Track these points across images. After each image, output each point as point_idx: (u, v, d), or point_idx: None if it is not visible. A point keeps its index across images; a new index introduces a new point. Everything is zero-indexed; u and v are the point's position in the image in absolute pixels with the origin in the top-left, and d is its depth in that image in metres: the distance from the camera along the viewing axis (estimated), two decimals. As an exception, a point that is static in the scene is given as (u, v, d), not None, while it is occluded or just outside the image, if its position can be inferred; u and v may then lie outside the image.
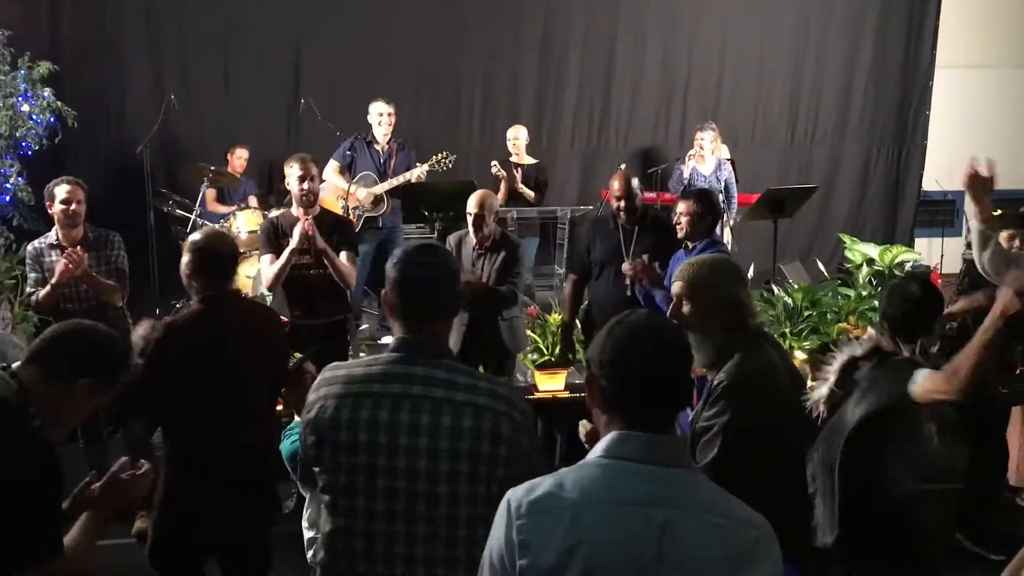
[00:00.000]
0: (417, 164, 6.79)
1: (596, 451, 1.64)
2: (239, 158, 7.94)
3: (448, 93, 8.99)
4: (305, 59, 8.56)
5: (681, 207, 4.66)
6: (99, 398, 2.28)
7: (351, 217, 6.44)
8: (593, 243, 5.20)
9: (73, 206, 4.45)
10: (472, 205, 4.88)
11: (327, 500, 2.11)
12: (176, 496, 3.08)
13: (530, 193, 7.28)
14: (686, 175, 7.54)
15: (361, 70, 8.37)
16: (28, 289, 4.42)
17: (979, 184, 3.44)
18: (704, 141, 7.60)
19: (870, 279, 7.02)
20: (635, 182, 5.10)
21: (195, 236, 3.23)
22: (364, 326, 7.13)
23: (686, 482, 1.61)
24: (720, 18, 9.35)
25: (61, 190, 4.47)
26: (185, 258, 3.13)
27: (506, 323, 5.01)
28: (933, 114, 9.94)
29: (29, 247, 4.58)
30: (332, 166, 6.68)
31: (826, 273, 7.71)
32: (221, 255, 3.14)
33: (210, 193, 7.78)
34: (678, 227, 4.67)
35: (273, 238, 4.73)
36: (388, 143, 6.79)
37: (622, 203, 5.01)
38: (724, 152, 8.31)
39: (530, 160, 7.52)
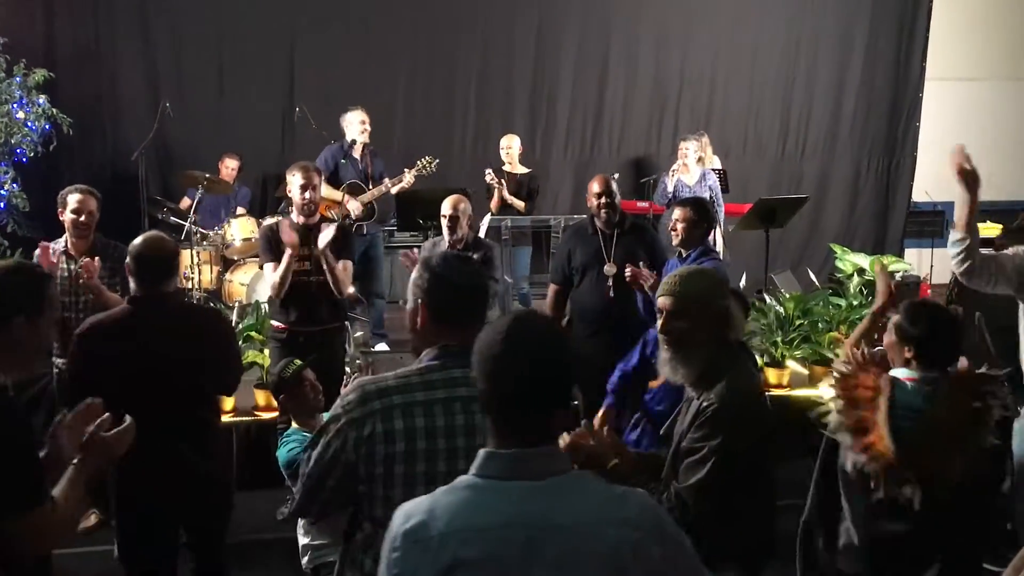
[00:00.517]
0: (405, 171, 6.91)
1: (471, 468, 1.63)
2: (228, 168, 7.95)
3: (442, 102, 9.04)
4: (299, 67, 8.59)
5: (676, 214, 4.69)
6: (38, 330, 2.26)
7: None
8: (573, 250, 5.18)
9: (83, 216, 4.38)
10: (446, 207, 5.01)
11: (379, 515, 2.02)
12: (124, 481, 3.23)
13: (519, 203, 7.33)
14: (670, 188, 7.55)
15: (355, 79, 8.41)
16: None
17: (971, 176, 3.33)
18: (688, 151, 7.61)
19: (861, 288, 7.05)
20: (615, 184, 5.12)
21: (135, 240, 3.32)
22: (358, 333, 7.13)
23: (555, 493, 1.57)
24: (712, 29, 9.42)
25: (73, 199, 4.40)
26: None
27: None
28: (923, 126, 10.02)
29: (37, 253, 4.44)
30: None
31: (817, 283, 7.75)
32: (150, 259, 3.24)
33: (184, 201, 7.79)
34: (673, 234, 4.69)
35: (273, 244, 4.72)
36: (363, 151, 6.87)
37: (602, 200, 5.00)
38: (715, 163, 8.36)
39: (523, 169, 7.57)
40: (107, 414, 2.31)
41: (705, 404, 2.49)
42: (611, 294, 4.90)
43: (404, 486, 2.03)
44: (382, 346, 6.93)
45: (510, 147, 7.54)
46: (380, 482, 2.04)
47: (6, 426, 2.05)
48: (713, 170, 7.94)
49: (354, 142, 6.83)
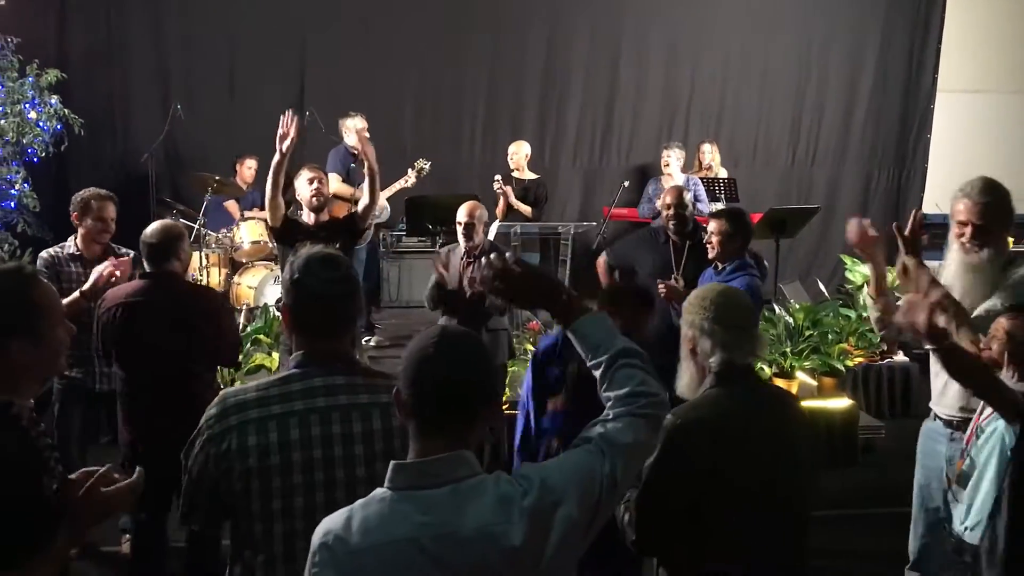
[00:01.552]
0: (409, 170, 7.15)
1: (385, 480, 1.66)
2: (248, 168, 7.95)
3: (451, 108, 9.04)
4: (310, 71, 8.61)
5: (712, 226, 4.54)
6: (42, 343, 1.99)
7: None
8: (642, 255, 5.16)
9: (108, 223, 4.39)
10: (462, 214, 5.05)
11: (258, 530, 2.02)
12: (130, 433, 3.79)
13: (526, 208, 7.32)
14: (653, 196, 7.52)
15: (365, 82, 8.42)
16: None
17: (870, 243, 3.47)
18: (670, 159, 7.56)
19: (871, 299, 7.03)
20: (688, 196, 5.10)
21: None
22: (371, 340, 7.15)
23: (458, 498, 1.59)
24: (723, 38, 9.41)
25: (98, 205, 4.35)
26: None
27: (490, 335, 5.04)
28: (934, 137, 9.99)
29: (44, 255, 4.38)
30: (334, 178, 6.76)
31: (826, 293, 7.73)
32: (152, 243, 3.77)
33: (231, 204, 7.82)
34: (708, 247, 4.55)
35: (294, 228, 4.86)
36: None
37: (672, 211, 4.98)
38: (723, 172, 8.35)
39: (531, 175, 7.56)
40: (109, 466, 2.14)
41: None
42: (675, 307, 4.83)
43: (261, 499, 2.01)
44: (372, 340, 7.04)
45: (516, 153, 7.54)
46: (242, 496, 2.02)
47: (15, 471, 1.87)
48: (721, 179, 7.92)
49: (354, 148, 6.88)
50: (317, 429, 2.02)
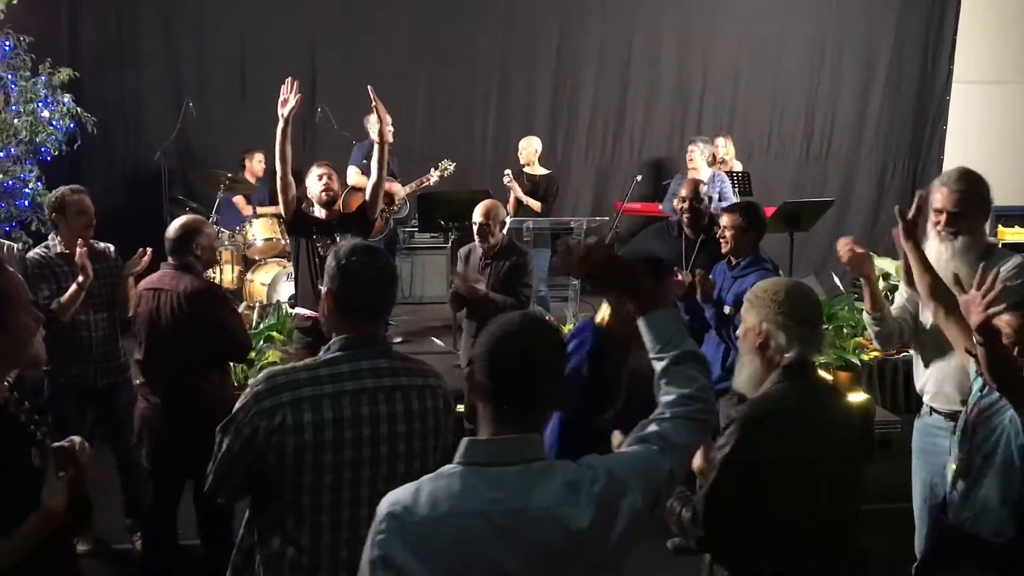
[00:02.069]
0: (432, 170, 7.18)
1: (455, 456, 1.71)
2: (258, 162, 7.96)
3: (463, 103, 9.03)
4: (321, 68, 8.61)
5: (725, 220, 4.50)
6: (6, 334, 2.00)
7: (379, 220, 6.66)
8: (653, 249, 5.11)
9: (92, 218, 4.34)
10: (477, 215, 4.99)
11: (306, 501, 2.15)
12: (146, 425, 3.92)
13: (535, 203, 7.28)
14: (676, 192, 7.41)
15: (376, 79, 8.33)
16: (43, 299, 4.08)
17: (860, 260, 3.46)
18: (695, 155, 7.45)
19: (886, 294, 6.97)
20: (703, 189, 5.06)
21: None
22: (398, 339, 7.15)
23: (528, 478, 1.65)
24: (736, 32, 9.36)
25: (85, 202, 4.32)
26: None
27: None
28: (950, 129, 9.91)
29: (34, 256, 4.31)
30: (354, 171, 6.77)
31: (841, 287, 7.68)
32: (168, 237, 3.91)
33: (239, 199, 7.83)
34: (722, 241, 4.51)
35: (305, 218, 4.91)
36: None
37: (686, 204, 4.95)
38: (737, 165, 8.30)
39: (542, 171, 7.53)
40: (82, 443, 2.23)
41: (734, 413, 2.44)
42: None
43: (313, 474, 2.13)
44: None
45: (527, 148, 7.51)
46: (293, 470, 2.12)
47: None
48: (736, 173, 7.87)
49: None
50: (366, 408, 2.16)
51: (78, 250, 4.08)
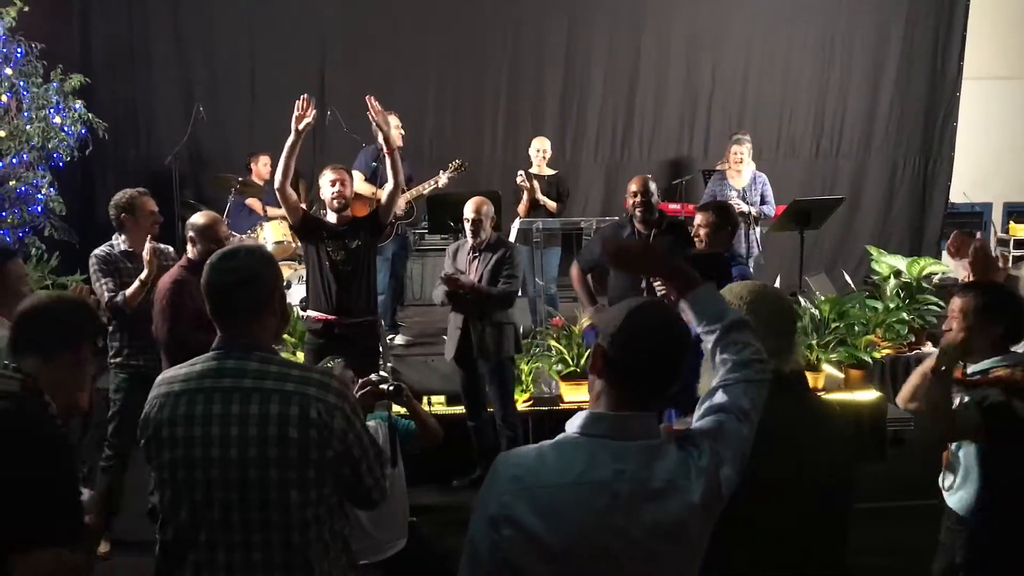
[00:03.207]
0: (440, 172, 7.04)
1: (573, 426, 1.79)
2: (264, 165, 7.97)
3: (472, 104, 9.04)
4: (330, 71, 8.64)
5: (698, 219, 4.56)
6: (94, 355, 2.39)
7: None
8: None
9: (157, 215, 4.72)
10: (469, 211, 5.12)
11: (167, 496, 2.20)
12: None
13: (552, 203, 7.29)
14: (715, 193, 7.35)
15: (386, 81, 8.42)
16: (107, 294, 4.45)
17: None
18: (743, 155, 7.31)
19: (897, 291, 6.95)
20: (652, 184, 5.10)
21: None
22: (397, 338, 7.17)
23: (649, 453, 1.75)
24: (745, 30, 9.34)
25: (152, 203, 4.71)
26: None
27: (494, 327, 5.09)
28: (960, 125, 9.87)
29: (99, 252, 4.63)
30: (357, 176, 6.76)
31: (852, 285, 7.65)
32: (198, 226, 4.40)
33: (253, 202, 7.84)
34: (696, 240, 4.57)
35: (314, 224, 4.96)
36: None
37: (638, 199, 5.00)
38: (752, 166, 8.26)
39: (550, 171, 7.50)
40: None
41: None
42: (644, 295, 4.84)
43: (169, 468, 2.16)
44: (399, 339, 7.05)
45: (543, 149, 7.47)
46: (152, 462, 2.21)
47: (49, 455, 2.05)
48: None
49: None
50: (218, 407, 2.14)
51: (147, 246, 4.43)
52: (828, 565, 2.33)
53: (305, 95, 4.66)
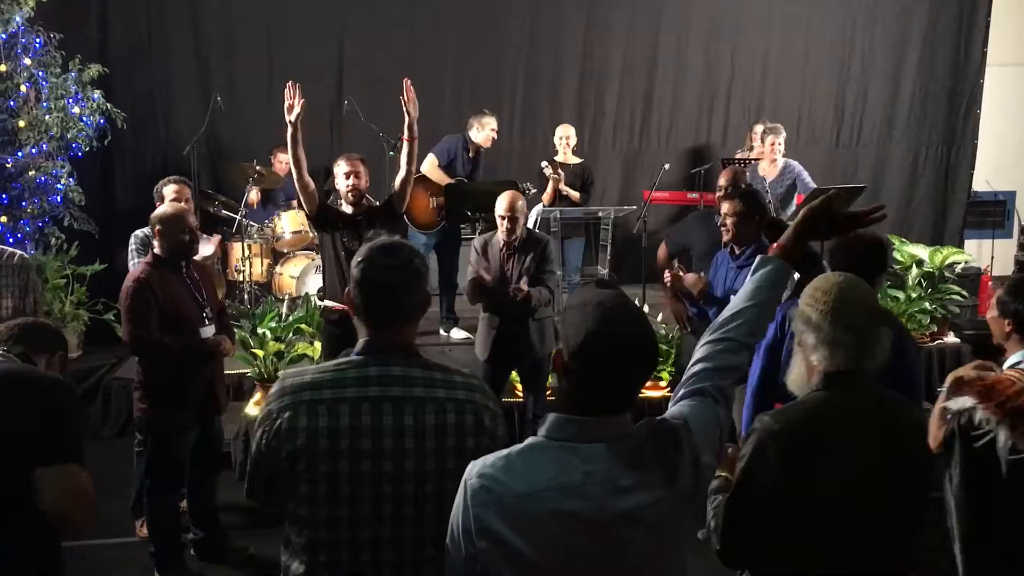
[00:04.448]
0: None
1: (541, 431, 1.75)
2: (281, 161, 7.99)
3: (489, 94, 8.98)
4: (348, 60, 8.63)
5: (725, 207, 4.40)
6: (64, 361, 2.91)
7: (436, 217, 6.85)
8: (695, 235, 5.15)
9: (183, 203, 4.67)
10: (504, 208, 4.91)
11: (303, 514, 2.04)
12: (151, 384, 4.13)
13: (575, 194, 7.24)
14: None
15: (403, 71, 8.30)
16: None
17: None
18: (779, 145, 7.20)
19: (920, 280, 6.89)
20: (745, 177, 5.05)
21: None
22: (455, 332, 7.16)
23: (615, 453, 1.70)
24: (764, 17, 9.25)
25: (170, 190, 4.74)
26: None
27: (536, 323, 4.98)
28: (984, 112, 9.75)
29: (139, 234, 4.86)
30: (431, 161, 6.78)
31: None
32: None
33: (252, 196, 7.85)
34: (723, 229, 4.42)
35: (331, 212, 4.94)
36: (477, 152, 7.02)
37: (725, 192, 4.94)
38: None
39: (575, 160, 7.47)
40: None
41: (757, 423, 2.24)
42: None
43: (308, 483, 2.00)
44: (457, 332, 6.95)
45: (565, 136, 7.40)
46: (287, 478, 2.02)
47: (60, 392, 2.42)
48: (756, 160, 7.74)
49: (476, 145, 6.95)
50: (368, 419, 2.00)
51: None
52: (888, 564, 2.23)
53: (291, 82, 4.55)
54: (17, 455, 2.25)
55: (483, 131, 6.89)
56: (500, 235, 4.95)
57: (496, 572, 1.67)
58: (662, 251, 5.34)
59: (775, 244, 2.07)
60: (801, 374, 2.29)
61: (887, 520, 2.17)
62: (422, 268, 2.13)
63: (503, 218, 4.90)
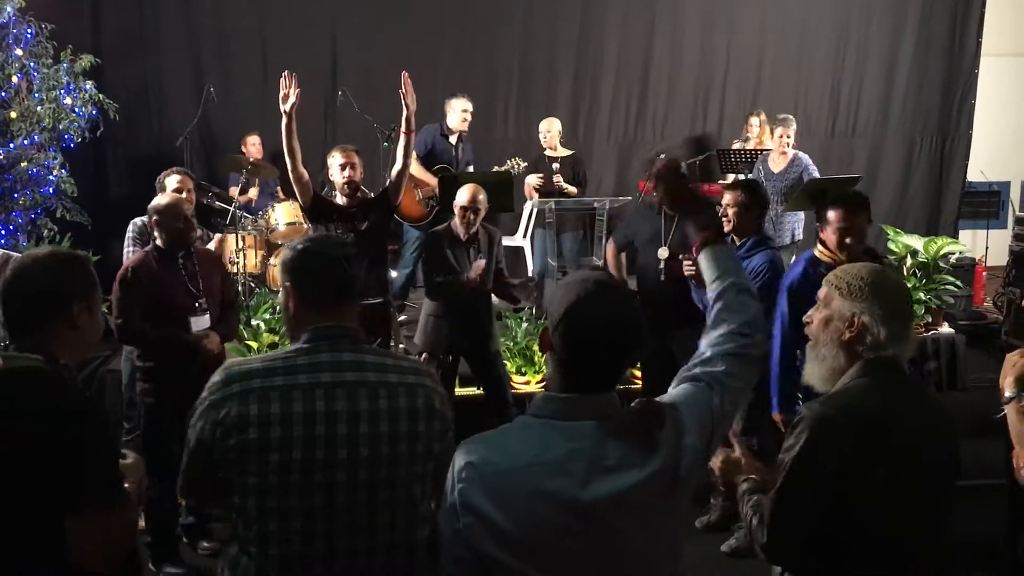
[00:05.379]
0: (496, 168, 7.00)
1: (529, 409, 1.77)
2: (252, 144, 7.94)
3: (484, 85, 8.94)
4: (342, 51, 8.60)
5: (727, 198, 4.41)
6: (94, 315, 2.19)
7: (424, 209, 6.82)
8: (638, 228, 5.14)
9: (185, 194, 4.63)
10: (466, 199, 4.94)
11: (252, 507, 1.97)
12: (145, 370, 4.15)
13: (572, 188, 7.18)
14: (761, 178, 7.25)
15: (398, 62, 8.29)
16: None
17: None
18: (791, 136, 7.17)
19: (914, 271, 6.89)
20: (681, 167, 5.02)
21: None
22: (402, 316, 7.16)
23: (602, 431, 1.70)
24: (759, 7, 9.24)
25: (172, 180, 4.68)
26: None
27: (493, 316, 5.15)
28: (978, 103, 9.74)
29: (137, 222, 4.84)
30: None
31: (870, 265, 7.57)
32: None
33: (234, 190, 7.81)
34: (724, 220, 4.39)
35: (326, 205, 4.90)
36: (457, 138, 7.00)
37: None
38: (771, 144, 8.18)
39: (565, 152, 7.41)
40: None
41: (805, 412, 2.18)
42: (662, 277, 4.79)
43: (257, 474, 1.95)
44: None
45: (549, 131, 7.30)
46: (234, 468, 1.97)
47: (85, 421, 1.99)
48: (766, 151, 7.73)
49: (451, 130, 6.93)
50: (321, 404, 1.97)
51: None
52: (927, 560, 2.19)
53: (286, 72, 4.53)
54: (40, 503, 1.91)
55: (454, 114, 6.88)
56: (458, 227, 4.97)
57: (479, 548, 1.68)
58: (610, 248, 5.33)
59: (696, 240, 2.10)
60: (839, 368, 2.21)
61: (929, 511, 2.15)
62: (352, 252, 2.15)
63: (465, 207, 4.92)
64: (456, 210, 4.97)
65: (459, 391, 5.53)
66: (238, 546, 2.03)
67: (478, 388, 5.41)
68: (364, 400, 1.99)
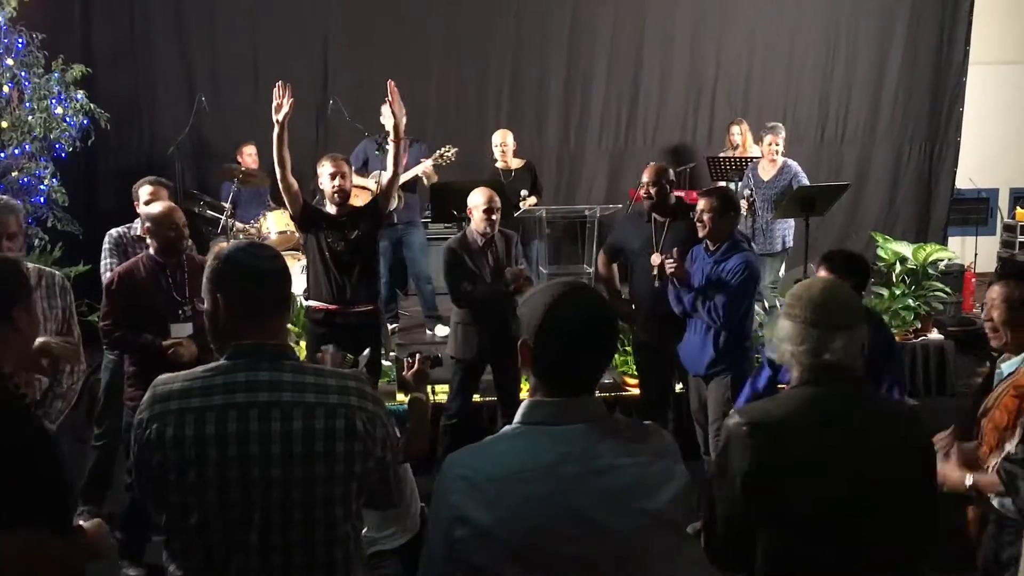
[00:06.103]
0: (421, 160, 6.95)
1: (516, 417, 1.77)
2: (248, 155, 7.95)
3: (475, 92, 9.00)
4: (333, 60, 8.61)
5: (701, 204, 4.57)
6: (33, 316, 2.24)
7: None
8: (628, 235, 5.18)
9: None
10: (484, 200, 4.98)
11: (175, 521, 1.99)
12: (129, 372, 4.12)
13: (532, 199, 7.11)
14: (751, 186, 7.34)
15: (388, 70, 8.32)
16: (107, 273, 4.45)
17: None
18: (781, 144, 7.30)
19: (903, 278, 6.94)
20: (669, 173, 5.07)
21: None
22: (394, 325, 7.17)
23: (593, 434, 1.72)
24: (749, 15, 9.29)
25: (145, 191, 4.68)
26: None
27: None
28: (967, 110, 9.81)
29: (113, 233, 4.74)
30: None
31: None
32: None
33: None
34: (699, 225, 4.57)
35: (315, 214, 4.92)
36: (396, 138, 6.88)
37: (654, 189, 4.96)
38: (754, 151, 8.24)
39: (518, 163, 7.27)
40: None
41: (728, 421, 2.19)
42: (656, 283, 4.84)
43: (177, 492, 1.96)
44: (441, 328, 6.96)
45: (505, 143, 7.20)
46: (158, 484, 1.98)
47: (22, 439, 1.98)
48: (753, 158, 7.79)
49: (388, 134, 6.82)
50: (234, 425, 1.95)
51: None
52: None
53: (280, 82, 4.56)
54: None
55: (388, 119, 6.82)
56: (480, 228, 5.00)
57: (473, 561, 1.67)
58: (602, 258, 5.37)
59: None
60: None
61: (883, 517, 2.10)
62: (284, 263, 2.11)
63: (485, 209, 4.95)
64: (478, 214, 4.99)
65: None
66: (168, 554, 2.06)
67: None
68: (277, 422, 1.97)
